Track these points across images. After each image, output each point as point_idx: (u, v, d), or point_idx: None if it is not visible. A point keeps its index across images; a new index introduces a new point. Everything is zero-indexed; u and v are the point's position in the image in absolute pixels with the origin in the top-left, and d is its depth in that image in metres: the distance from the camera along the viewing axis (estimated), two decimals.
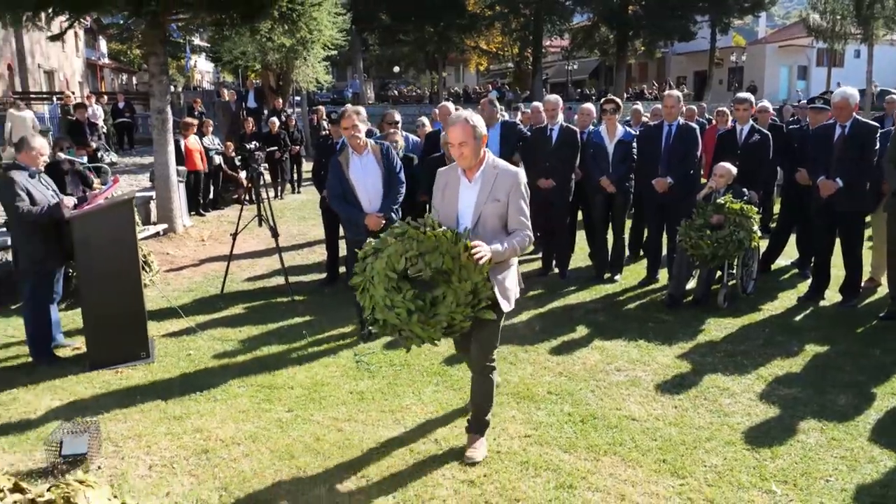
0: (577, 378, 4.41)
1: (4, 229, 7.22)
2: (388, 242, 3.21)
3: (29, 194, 4.79)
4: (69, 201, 5.04)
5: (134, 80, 47.71)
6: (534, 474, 3.26)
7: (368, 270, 3.23)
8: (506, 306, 3.30)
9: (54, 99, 21.43)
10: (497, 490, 3.11)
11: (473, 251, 3.06)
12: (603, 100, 7.01)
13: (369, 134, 7.73)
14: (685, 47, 38.44)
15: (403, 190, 5.34)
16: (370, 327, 3.34)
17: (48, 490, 2.00)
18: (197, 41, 40.34)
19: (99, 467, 3.46)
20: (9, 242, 6.63)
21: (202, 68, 57.66)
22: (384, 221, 5.01)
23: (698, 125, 10.34)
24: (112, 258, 4.92)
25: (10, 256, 6.61)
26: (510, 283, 3.37)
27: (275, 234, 6.81)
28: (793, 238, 7.12)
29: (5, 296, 6.62)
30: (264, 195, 7.15)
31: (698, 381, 4.33)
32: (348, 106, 5.57)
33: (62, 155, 6.69)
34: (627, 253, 7.55)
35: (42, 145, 5.01)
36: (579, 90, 38.83)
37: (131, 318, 4.99)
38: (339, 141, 6.66)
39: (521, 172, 3.34)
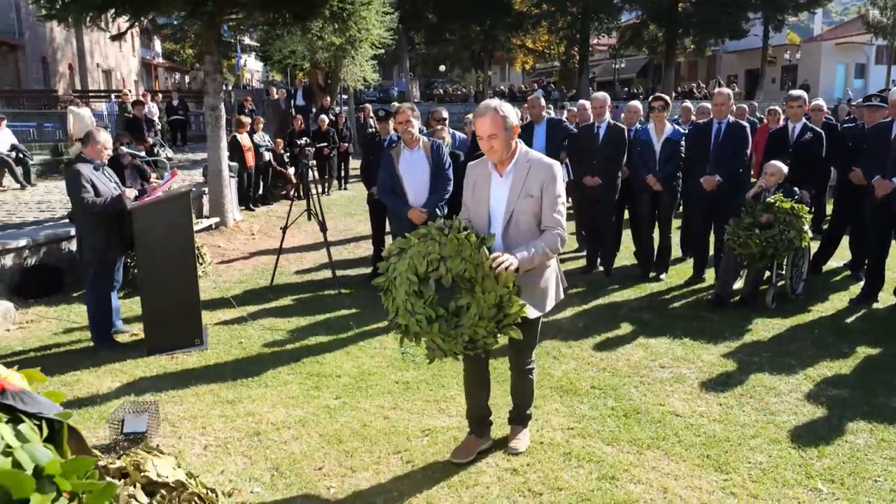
0: (621, 374, 4.42)
1: (68, 220, 7.58)
2: (412, 243, 3.02)
3: (93, 186, 5.03)
4: (131, 193, 5.28)
5: (186, 78, 49.06)
6: (576, 465, 3.30)
7: (391, 271, 3.04)
8: (532, 312, 3.07)
9: (112, 97, 22.23)
10: (540, 479, 3.17)
11: (495, 262, 2.83)
12: (651, 97, 6.97)
13: (419, 131, 7.89)
14: (737, 45, 37.55)
15: (450, 187, 5.45)
16: (393, 332, 3.14)
17: (118, 458, 2.13)
18: (247, 41, 41.20)
19: (157, 446, 3.63)
20: (72, 233, 6.99)
21: (252, 67, 58.83)
22: (427, 216, 5.12)
23: (749, 124, 10.19)
24: (170, 248, 5.13)
25: (73, 246, 6.95)
26: (546, 285, 3.18)
27: (323, 229, 6.97)
28: (846, 240, 6.95)
29: (69, 284, 6.96)
30: (313, 190, 7.31)
31: (744, 379, 4.30)
32: (403, 103, 5.83)
33: (124, 149, 6.98)
34: (680, 253, 7.50)
35: (106, 140, 5.25)
36: (626, 89, 38.34)
37: (186, 306, 5.19)
38: (385, 138, 6.79)
39: (556, 165, 3.11)
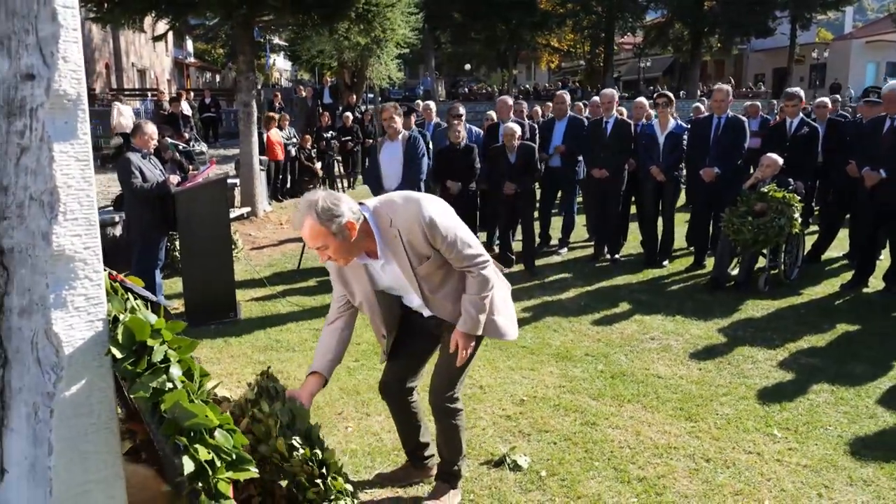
0: (613, 344, 4.87)
1: (111, 207, 8.22)
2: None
3: (141, 172, 5.61)
4: (174, 179, 5.85)
5: (217, 77, 50.21)
6: (563, 414, 3.76)
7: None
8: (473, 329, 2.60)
9: (148, 95, 23.13)
10: (529, 423, 3.63)
11: (458, 360, 2.61)
12: (656, 94, 7.39)
13: (437, 126, 8.42)
14: (764, 44, 37.41)
15: (421, 175, 6.36)
16: None
17: None
18: (276, 40, 42.07)
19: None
20: (116, 219, 7.63)
21: (280, 66, 59.86)
22: None
23: (763, 120, 10.50)
24: (209, 227, 5.68)
25: (116, 231, 7.59)
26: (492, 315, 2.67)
27: None
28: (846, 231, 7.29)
29: (113, 266, 7.57)
30: (338, 184, 7.86)
31: (726, 350, 4.72)
32: (388, 102, 6.86)
33: (169, 140, 7.59)
34: (686, 245, 7.89)
35: (153, 131, 5.83)
36: (651, 88, 38.40)
37: (223, 281, 5.75)
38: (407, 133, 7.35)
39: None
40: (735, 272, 6.40)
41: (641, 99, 7.86)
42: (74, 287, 1.51)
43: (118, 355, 1.55)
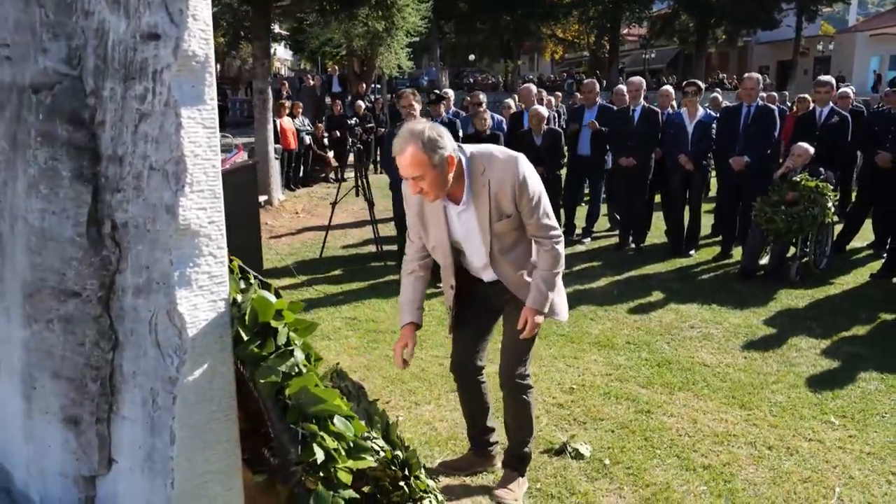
0: (654, 332, 4.82)
1: None
2: None
3: None
4: None
5: (218, 66, 49.82)
6: (615, 402, 3.71)
7: None
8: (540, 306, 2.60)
9: None
10: (583, 411, 3.59)
11: (524, 332, 2.56)
12: (685, 83, 7.33)
13: (455, 115, 8.35)
14: (769, 36, 37.24)
15: None
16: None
17: None
18: (276, 29, 41.75)
19: None
20: None
21: (281, 56, 59.42)
22: None
23: (778, 111, 10.43)
24: (238, 213, 5.61)
25: None
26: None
27: (371, 204, 7.44)
28: (869, 221, 7.24)
29: None
30: (349, 174, 7.80)
31: (768, 338, 4.68)
32: (406, 89, 6.65)
33: None
34: (708, 231, 7.84)
35: None
36: (655, 79, 38.29)
37: (252, 267, 5.69)
38: (437, 120, 7.26)
39: (519, 159, 2.49)
40: (764, 262, 6.35)
41: (668, 87, 7.79)
42: (199, 264, 1.42)
43: (244, 337, 1.49)
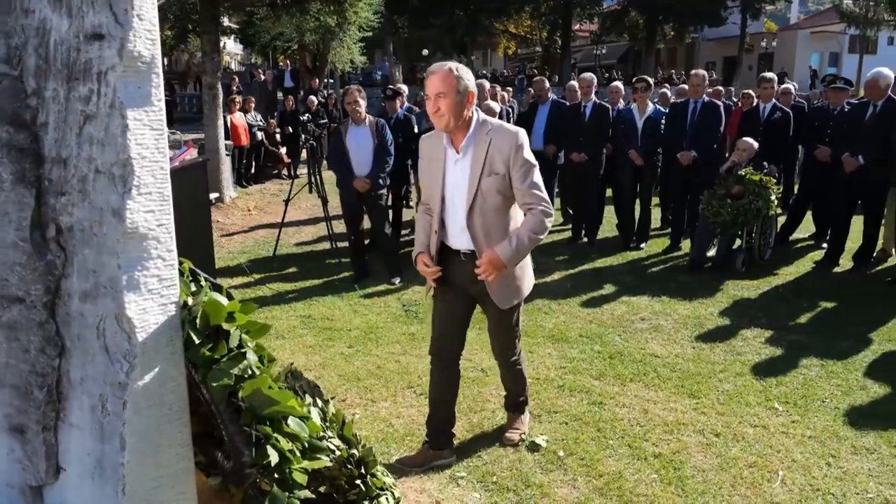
0: (606, 325, 4.92)
1: None
2: None
3: None
4: None
5: (165, 60, 48.50)
6: (569, 394, 3.79)
7: None
8: (511, 302, 2.88)
9: None
10: (538, 404, 3.65)
11: (480, 275, 2.70)
12: (635, 79, 7.46)
13: (409, 111, 8.33)
14: (715, 33, 38.19)
15: (391, 160, 6.20)
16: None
17: None
18: (226, 22, 40.88)
19: None
20: None
21: (231, 50, 58.20)
22: (370, 185, 5.97)
23: (724, 106, 10.73)
24: (188, 214, 5.50)
25: None
26: (521, 273, 2.91)
27: (325, 201, 7.38)
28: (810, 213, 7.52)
29: None
30: (302, 171, 7.71)
31: (715, 328, 4.83)
32: (351, 85, 6.63)
33: None
34: (657, 224, 8.01)
35: None
36: (607, 75, 38.89)
37: (204, 268, 5.58)
38: (393, 116, 7.24)
39: (520, 132, 2.73)
40: (711, 254, 6.54)
41: (617, 83, 7.93)
42: (147, 268, 1.39)
43: (196, 340, 1.47)
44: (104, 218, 1.35)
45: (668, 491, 2.85)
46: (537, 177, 2.74)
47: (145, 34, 1.31)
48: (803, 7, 46.34)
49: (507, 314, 2.96)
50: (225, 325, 1.52)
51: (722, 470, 2.99)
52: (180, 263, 1.59)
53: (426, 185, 2.96)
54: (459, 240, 2.85)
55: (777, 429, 3.35)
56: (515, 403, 3.33)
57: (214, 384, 1.46)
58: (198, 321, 1.49)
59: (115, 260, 1.35)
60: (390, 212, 7.65)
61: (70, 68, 1.33)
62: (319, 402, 2.30)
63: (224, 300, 1.58)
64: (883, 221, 6.62)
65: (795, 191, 8.40)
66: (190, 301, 1.55)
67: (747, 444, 3.21)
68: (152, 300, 1.40)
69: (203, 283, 1.67)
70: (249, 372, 1.51)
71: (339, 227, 8.93)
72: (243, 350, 1.53)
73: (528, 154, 2.73)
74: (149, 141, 1.35)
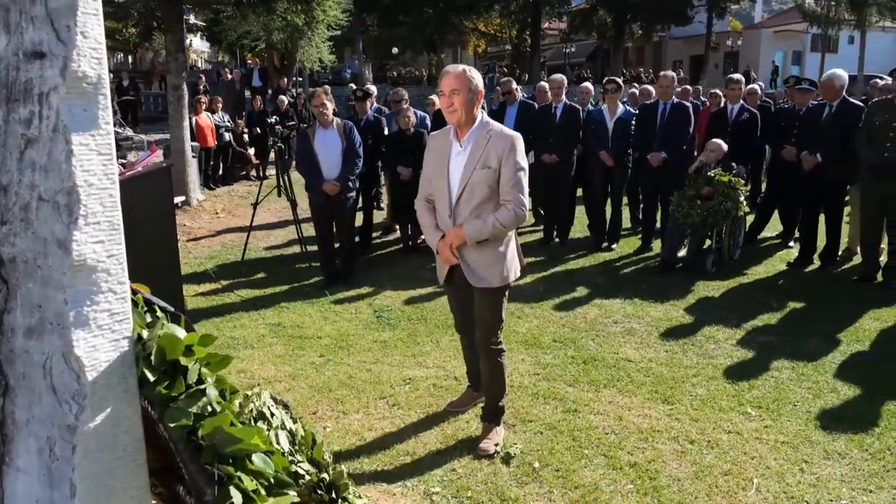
0: (579, 329, 4.90)
1: None
2: None
3: None
4: None
5: (130, 58, 47.55)
6: (543, 402, 3.75)
7: None
8: (479, 282, 3.09)
9: None
10: (512, 413, 3.60)
11: (443, 245, 3.07)
12: (605, 80, 7.47)
13: (379, 112, 8.24)
14: (682, 31, 38.68)
15: (360, 163, 6.15)
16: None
17: None
18: (192, 19, 40.20)
19: None
20: None
21: (197, 47, 57.30)
22: (339, 188, 5.91)
23: (693, 106, 10.83)
24: (152, 221, 5.34)
25: None
26: (504, 255, 3.11)
27: (294, 205, 7.25)
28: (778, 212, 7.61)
29: None
30: (271, 171, 7.57)
31: (687, 330, 4.84)
32: (318, 88, 6.49)
33: None
34: (628, 225, 8.03)
35: None
36: (576, 73, 39.12)
37: (169, 279, 5.42)
38: (363, 118, 7.14)
39: (517, 137, 3.02)
40: (682, 254, 6.58)
41: (587, 84, 7.94)
42: (97, 302, 1.29)
43: (150, 378, 1.38)
44: (49, 249, 1.26)
45: (644, 502, 2.83)
46: (524, 181, 3.02)
47: (90, 53, 1.22)
48: (766, 6, 47.20)
49: (485, 297, 3.15)
50: (183, 360, 1.44)
51: (697, 479, 2.98)
52: (134, 293, 1.50)
53: (429, 178, 3.20)
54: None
55: (751, 434, 3.36)
56: (493, 410, 3.33)
57: (172, 425, 1.38)
58: (153, 357, 1.40)
59: (61, 294, 1.26)
60: (360, 214, 7.58)
61: (9, 88, 1.23)
62: (288, 423, 2.22)
63: (181, 332, 1.49)
64: (847, 220, 6.74)
65: (763, 189, 8.52)
66: (145, 334, 1.46)
67: (722, 451, 3.21)
68: (102, 336, 1.31)
69: (159, 313, 1.59)
70: (210, 409, 1.43)
71: (309, 230, 8.81)
72: (203, 386, 1.44)
73: (522, 158, 3.00)
74: (96, 167, 1.26)
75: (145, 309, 1.54)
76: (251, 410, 2.07)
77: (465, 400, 3.68)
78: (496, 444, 3.24)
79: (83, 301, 1.29)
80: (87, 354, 1.29)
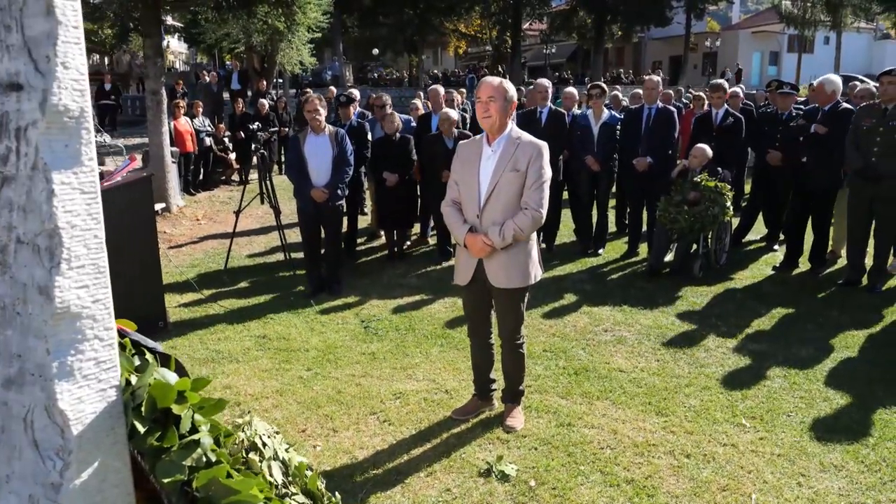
0: (569, 338, 4.86)
1: None
2: None
3: None
4: None
5: (106, 60, 46.84)
6: (536, 416, 3.70)
7: None
8: (503, 282, 3.29)
9: None
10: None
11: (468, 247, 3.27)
12: (590, 86, 7.44)
13: (362, 117, 8.15)
14: (661, 32, 38.96)
15: (350, 171, 6.09)
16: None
17: None
18: (170, 21, 39.71)
19: None
20: None
21: (175, 49, 56.64)
22: (328, 195, 5.83)
23: (676, 109, 10.87)
24: (132, 231, 5.22)
25: None
26: (525, 258, 3.31)
27: (277, 212, 7.14)
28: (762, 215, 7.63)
29: None
30: (253, 176, 7.45)
31: (678, 339, 4.82)
32: (313, 93, 6.40)
33: None
34: (614, 229, 8.02)
35: None
36: (557, 74, 39.23)
37: (149, 289, 5.30)
38: (346, 123, 7.04)
39: (544, 145, 3.26)
40: (669, 258, 6.57)
41: (571, 89, 7.90)
42: (82, 351, 1.21)
43: (141, 429, 1.29)
44: (29, 295, 1.17)
45: None
46: (546, 187, 3.23)
47: (72, 85, 1.13)
48: (744, 7, 47.69)
49: (508, 298, 3.38)
50: (175, 409, 1.36)
51: (696, 495, 2.94)
52: (122, 336, 1.42)
53: (457, 180, 3.40)
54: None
55: (746, 447, 3.33)
56: (514, 392, 3.63)
57: (166, 480, 1.30)
58: (143, 407, 1.32)
59: (42, 344, 1.17)
60: (345, 220, 7.48)
61: None
62: (281, 453, 2.14)
63: (173, 377, 1.41)
64: (833, 222, 6.78)
65: (746, 191, 8.55)
66: (133, 379, 1.38)
67: (718, 465, 3.18)
68: (88, 387, 1.23)
69: (148, 355, 1.50)
70: (205, 459, 1.35)
71: (293, 236, 8.70)
72: (196, 436, 1.37)
73: (547, 166, 3.23)
74: (79, 207, 1.18)
75: (133, 352, 1.46)
76: (242, 441, 1.99)
77: (470, 408, 3.74)
78: (521, 424, 3.54)
79: (67, 350, 1.20)
80: (71, 407, 1.20)
